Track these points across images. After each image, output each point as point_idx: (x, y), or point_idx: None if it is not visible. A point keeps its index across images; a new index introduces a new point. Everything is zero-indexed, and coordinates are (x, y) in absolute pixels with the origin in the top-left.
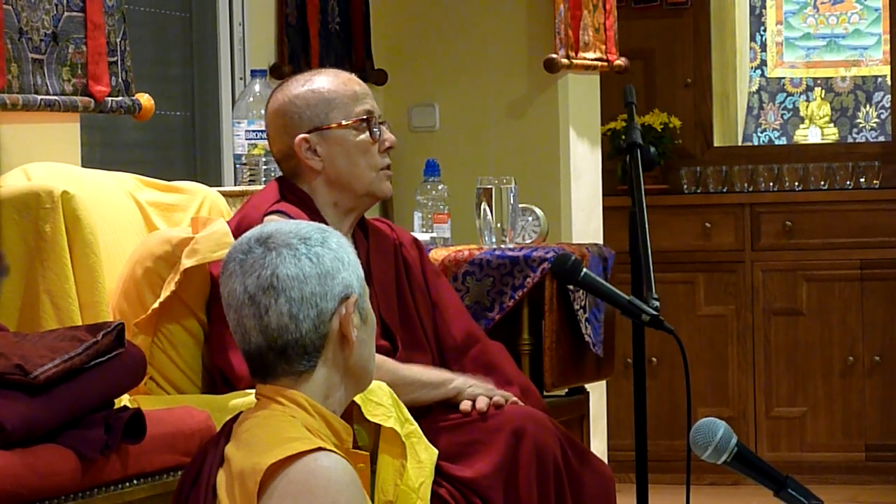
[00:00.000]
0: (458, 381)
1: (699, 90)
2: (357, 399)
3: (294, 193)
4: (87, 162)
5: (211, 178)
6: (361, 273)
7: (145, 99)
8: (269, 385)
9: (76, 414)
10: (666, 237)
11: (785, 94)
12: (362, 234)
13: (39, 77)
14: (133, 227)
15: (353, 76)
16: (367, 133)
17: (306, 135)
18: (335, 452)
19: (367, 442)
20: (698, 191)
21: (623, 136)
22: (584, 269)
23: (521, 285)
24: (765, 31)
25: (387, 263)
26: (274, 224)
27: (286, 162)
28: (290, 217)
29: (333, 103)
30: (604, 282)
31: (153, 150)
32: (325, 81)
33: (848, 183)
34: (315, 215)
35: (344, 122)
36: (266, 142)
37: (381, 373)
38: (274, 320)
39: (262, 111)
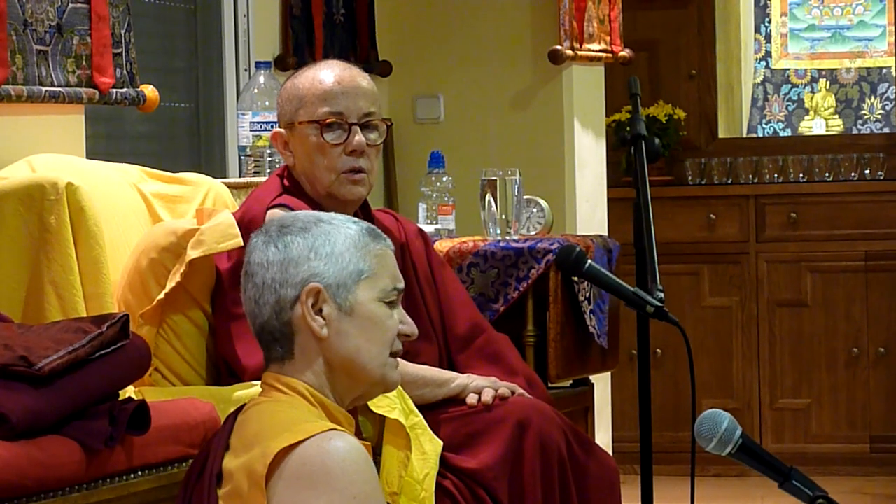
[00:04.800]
0: (462, 378)
1: (704, 81)
2: None
3: (294, 185)
4: (92, 153)
5: (215, 169)
6: (354, 267)
7: (150, 90)
8: (267, 372)
9: (81, 405)
10: (670, 229)
11: (790, 86)
12: None
13: (44, 68)
14: (138, 218)
15: (352, 73)
16: (324, 135)
17: (280, 129)
18: (347, 432)
19: (371, 433)
20: (703, 182)
21: (628, 128)
22: (589, 261)
23: (525, 277)
24: (769, 22)
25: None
26: (294, 212)
27: None
28: (293, 210)
29: (304, 100)
30: (608, 273)
31: (158, 142)
32: (308, 77)
33: (853, 174)
34: (316, 206)
35: (305, 121)
36: (268, 133)
37: None
38: (247, 304)
39: (267, 103)
